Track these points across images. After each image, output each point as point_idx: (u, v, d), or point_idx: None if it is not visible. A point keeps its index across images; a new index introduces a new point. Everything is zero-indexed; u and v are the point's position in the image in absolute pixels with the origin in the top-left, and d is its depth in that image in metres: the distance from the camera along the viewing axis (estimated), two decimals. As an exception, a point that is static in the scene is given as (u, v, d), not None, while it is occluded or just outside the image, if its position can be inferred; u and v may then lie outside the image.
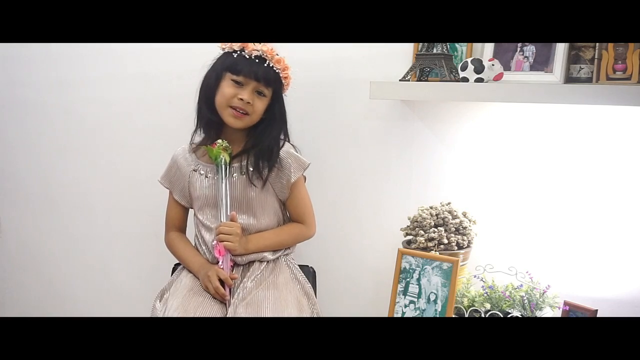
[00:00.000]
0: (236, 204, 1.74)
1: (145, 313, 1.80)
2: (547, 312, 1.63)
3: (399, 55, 1.88)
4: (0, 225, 2.45)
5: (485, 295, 1.66)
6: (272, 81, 1.71)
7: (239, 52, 1.70)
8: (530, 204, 1.82)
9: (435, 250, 1.70)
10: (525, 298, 1.63)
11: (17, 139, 2.38)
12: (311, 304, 1.76)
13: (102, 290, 2.36)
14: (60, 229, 2.38)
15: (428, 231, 1.74)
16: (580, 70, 1.68)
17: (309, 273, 1.86)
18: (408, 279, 1.65)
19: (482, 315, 1.62)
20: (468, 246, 1.76)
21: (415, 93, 1.78)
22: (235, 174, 1.74)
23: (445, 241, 1.72)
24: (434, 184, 1.92)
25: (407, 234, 1.81)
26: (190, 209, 1.88)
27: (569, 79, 1.69)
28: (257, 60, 1.69)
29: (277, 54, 1.73)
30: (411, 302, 1.64)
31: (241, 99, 1.69)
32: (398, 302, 1.66)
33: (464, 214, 1.80)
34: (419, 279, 1.64)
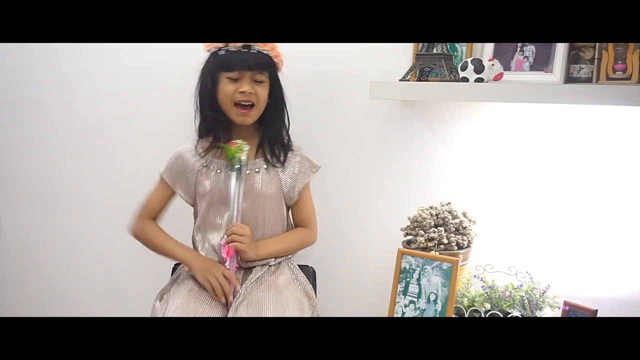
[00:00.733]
0: (249, 201, 1.72)
1: (145, 313, 1.80)
2: (547, 312, 1.63)
3: (399, 55, 1.88)
4: (0, 224, 2.45)
5: (485, 295, 1.66)
6: (265, 65, 1.71)
7: (224, 49, 1.69)
8: (530, 204, 1.82)
9: (435, 250, 1.70)
10: (525, 298, 1.63)
11: (17, 137, 2.38)
12: (312, 305, 1.76)
13: (103, 290, 2.36)
14: (60, 229, 2.38)
15: (428, 231, 1.74)
16: (580, 70, 1.68)
17: (309, 273, 1.86)
18: (408, 279, 1.65)
19: (482, 315, 1.62)
20: (468, 246, 1.76)
21: (415, 93, 1.78)
22: (257, 169, 1.74)
23: (445, 241, 1.72)
24: (434, 184, 1.92)
25: (407, 234, 1.81)
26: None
27: (569, 79, 1.69)
28: (244, 50, 1.69)
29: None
30: (411, 302, 1.64)
31: (242, 92, 1.68)
32: (398, 302, 1.66)
33: (464, 214, 1.80)
34: (419, 279, 1.64)
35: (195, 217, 1.82)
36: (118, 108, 2.26)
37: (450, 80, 1.71)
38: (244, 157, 1.68)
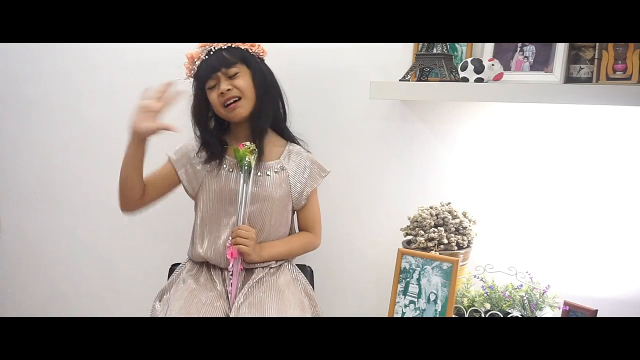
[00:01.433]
0: (257, 204, 1.72)
1: (145, 313, 1.80)
2: (547, 312, 1.63)
3: (399, 55, 1.88)
4: (1, 224, 2.45)
5: (485, 295, 1.66)
6: (232, 60, 1.69)
7: (196, 64, 1.71)
8: (530, 204, 1.82)
9: (435, 250, 1.70)
10: (525, 298, 1.63)
11: (18, 137, 2.38)
12: (312, 305, 1.76)
13: (103, 290, 2.36)
14: (60, 229, 2.38)
15: (428, 231, 1.74)
16: (580, 70, 1.68)
17: (307, 272, 1.86)
18: (408, 279, 1.65)
19: (482, 315, 1.62)
20: (468, 246, 1.76)
21: (415, 93, 1.78)
22: (268, 173, 1.74)
23: (445, 241, 1.72)
24: (434, 184, 1.92)
25: (407, 234, 1.81)
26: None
27: (569, 79, 1.69)
28: (206, 56, 1.70)
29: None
30: (411, 302, 1.64)
31: (221, 93, 1.68)
32: (398, 302, 1.66)
33: (464, 214, 1.80)
34: (419, 279, 1.64)
35: (197, 211, 1.81)
36: (119, 108, 2.24)
37: (450, 80, 1.71)
38: (252, 159, 1.68)
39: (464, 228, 1.76)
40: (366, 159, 2.00)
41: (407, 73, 1.78)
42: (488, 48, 1.76)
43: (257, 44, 1.74)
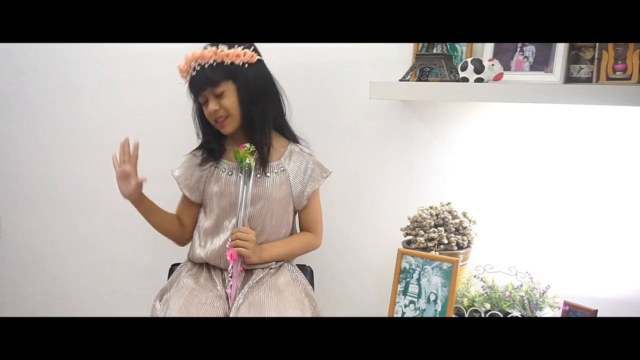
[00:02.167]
0: (258, 204, 1.72)
1: (146, 313, 1.80)
2: (547, 312, 1.63)
3: (399, 55, 1.88)
4: (1, 225, 2.45)
5: (485, 295, 1.66)
6: (215, 79, 1.67)
7: (187, 79, 1.71)
8: (530, 204, 1.82)
9: (435, 250, 1.70)
10: (525, 298, 1.63)
11: (19, 138, 2.38)
12: (312, 304, 1.76)
13: (103, 290, 2.36)
14: (60, 229, 2.38)
15: (428, 231, 1.74)
16: (580, 70, 1.68)
17: (307, 272, 1.86)
18: (408, 279, 1.65)
19: (482, 315, 1.62)
20: (468, 246, 1.76)
21: (415, 93, 1.78)
22: (268, 173, 1.73)
23: (445, 241, 1.72)
24: (434, 184, 1.92)
25: (407, 234, 1.81)
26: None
27: (569, 79, 1.69)
28: (194, 73, 1.68)
29: (208, 49, 1.67)
30: (411, 302, 1.64)
31: (210, 113, 1.70)
32: (398, 302, 1.66)
33: (464, 214, 1.80)
34: (419, 279, 1.64)
35: (200, 215, 1.82)
36: (120, 108, 2.25)
37: (450, 80, 1.71)
38: (252, 160, 1.68)
39: (464, 228, 1.76)
40: (366, 159, 2.00)
41: (407, 73, 1.78)
42: (488, 48, 1.76)
43: (244, 52, 1.68)
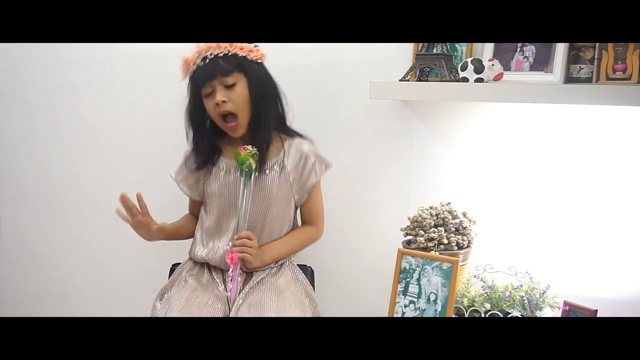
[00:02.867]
0: (258, 203, 1.71)
1: (145, 313, 1.80)
2: (547, 312, 1.63)
3: (399, 55, 1.88)
4: (0, 225, 2.45)
5: (485, 295, 1.66)
6: (228, 68, 1.65)
7: (192, 69, 1.68)
8: (530, 204, 1.82)
9: (435, 250, 1.70)
10: (525, 298, 1.63)
11: (18, 139, 2.38)
12: (312, 305, 1.76)
13: (102, 290, 2.36)
14: (60, 230, 2.38)
15: (428, 231, 1.74)
16: (580, 70, 1.68)
17: (307, 272, 1.86)
18: (408, 279, 1.65)
19: (482, 315, 1.62)
20: (468, 246, 1.76)
21: (415, 93, 1.78)
22: (267, 170, 1.71)
23: (445, 241, 1.72)
24: (434, 184, 1.92)
25: (407, 234, 1.81)
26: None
27: (569, 79, 1.69)
28: (203, 62, 1.65)
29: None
30: (411, 302, 1.64)
31: (217, 104, 1.65)
32: (398, 302, 1.66)
33: (464, 214, 1.80)
34: (419, 279, 1.64)
35: (201, 213, 1.82)
36: (119, 109, 2.26)
37: (450, 80, 1.71)
38: (253, 163, 1.66)
39: (464, 228, 1.76)
40: (366, 159, 2.00)
41: (407, 73, 1.78)
42: (488, 48, 1.76)
43: (256, 48, 1.69)
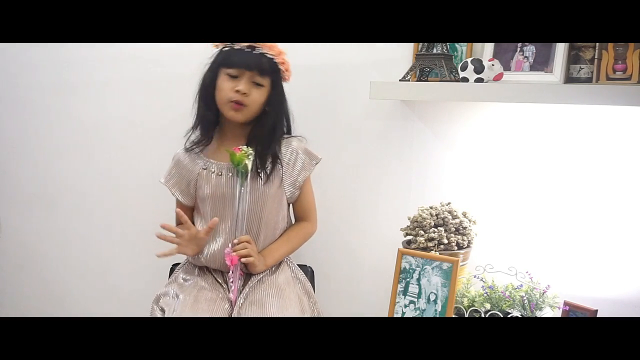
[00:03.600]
0: (251, 202, 1.70)
1: (145, 313, 1.79)
2: (547, 312, 1.63)
3: (399, 55, 1.88)
4: (0, 225, 2.45)
5: (485, 295, 1.66)
6: (267, 70, 1.68)
7: (230, 45, 1.69)
8: (530, 204, 1.82)
9: (435, 250, 1.70)
10: (525, 298, 1.63)
11: (17, 140, 2.38)
12: (312, 303, 1.77)
13: (102, 291, 2.36)
14: (59, 230, 2.37)
15: (428, 231, 1.74)
16: (580, 70, 1.68)
17: (307, 272, 1.87)
18: (408, 279, 1.65)
19: (482, 315, 1.62)
20: (468, 246, 1.76)
21: (415, 93, 1.78)
22: (259, 169, 1.71)
23: (445, 241, 1.72)
24: (434, 184, 1.92)
25: (407, 234, 1.81)
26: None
27: (569, 79, 1.69)
28: (248, 50, 1.67)
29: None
30: (411, 302, 1.64)
31: (237, 91, 1.66)
32: (398, 302, 1.66)
33: (464, 214, 1.80)
34: (419, 279, 1.64)
35: (194, 215, 1.82)
36: (117, 110, 2.25)
37: (450, 80, 1.71)
38: (248, 164, 1.66)
39: (464, 228, 1.76)
40: (366, 159, 2.00)
41: (407, 73, 1.78)
42: (488, 48, 1.76)
43: (289, 63, 1.73)
